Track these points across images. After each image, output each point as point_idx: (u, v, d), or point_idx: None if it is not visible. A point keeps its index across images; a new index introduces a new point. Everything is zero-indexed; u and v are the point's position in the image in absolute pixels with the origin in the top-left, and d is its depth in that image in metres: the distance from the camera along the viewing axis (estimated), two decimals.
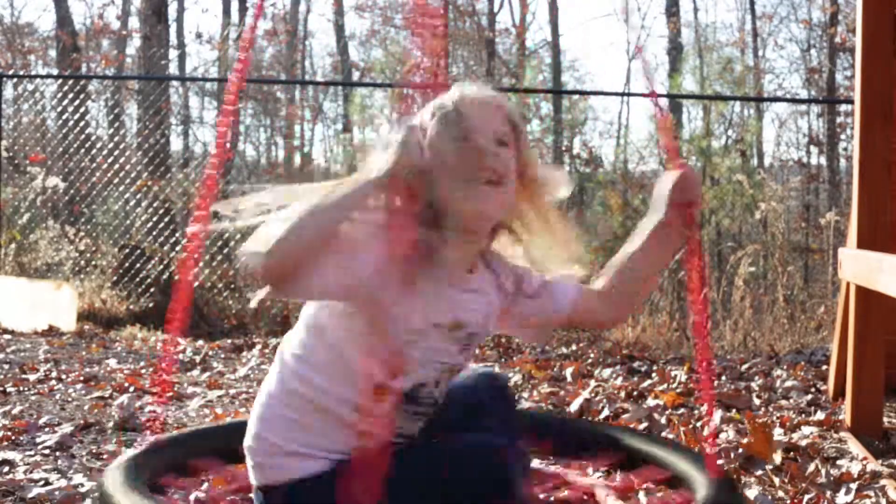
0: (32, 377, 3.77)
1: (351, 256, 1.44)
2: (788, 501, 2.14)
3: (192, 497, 1.85)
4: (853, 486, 2.22)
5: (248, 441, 1.62)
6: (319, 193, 1.46)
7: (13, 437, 2.69)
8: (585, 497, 1.93)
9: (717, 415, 3.04)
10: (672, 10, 15.36)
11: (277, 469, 1.56)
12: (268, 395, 1.61)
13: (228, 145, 2.03)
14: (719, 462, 1.78)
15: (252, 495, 1.67)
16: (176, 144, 14.51)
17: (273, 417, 1.58)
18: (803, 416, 3.12)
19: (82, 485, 2.19)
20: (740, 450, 2.52)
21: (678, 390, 3.53)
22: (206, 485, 1.96)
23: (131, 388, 3.52)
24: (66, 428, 2.80)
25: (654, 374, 3.96)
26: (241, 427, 1.69)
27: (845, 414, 2.90)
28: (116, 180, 7.51)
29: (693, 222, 1.73)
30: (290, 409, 1.57)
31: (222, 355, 4.74)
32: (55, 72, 13.11)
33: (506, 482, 1.49)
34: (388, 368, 1.53)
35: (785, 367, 4.24)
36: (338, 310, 1.53)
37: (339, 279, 1.45)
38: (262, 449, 1.58)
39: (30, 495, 2.11)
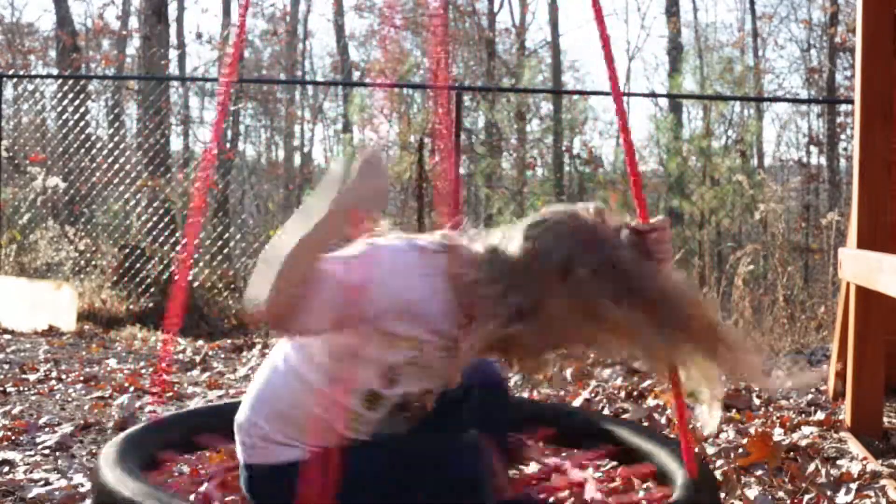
0: (32, 377, 3.77)
1: (341, 288, 1.45)
2: (788, 501, 2.14)
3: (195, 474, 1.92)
4: (853, 486, 2.22)
5: (239, 419, 1.67)
6: (297, 228, 1.46)
7: (13, 437, 2.69)
8: (572, 487, 1.93)
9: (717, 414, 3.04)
10: (672, 10, 15.36)
11: (262, 451, 1.61)
12: (263, 383, 1.66)
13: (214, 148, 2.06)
14: (698, 458, 1.79)
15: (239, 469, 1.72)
16: (176, 144, 14.52)
17: (264, 405, 1.63)
18: (803, 416, 3.12)
19: (82, 485, 2.19)
20: (740, 450, 2.52)
21: None
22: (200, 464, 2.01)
23: (131, 388, 3.52)
24: (66, 428, 2.80)
25: (653, 374, 3.96)
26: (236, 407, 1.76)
27: (845, 414, 2.90)
28: (116, 180, 7.51)
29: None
30: (282, 402, 1.61)
31: (222, 355, 4.74)
32: (55, 72, 13.11)
33: (469, 483, 1.51)
34: (381, 380, 1.56)
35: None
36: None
37: (332, 313, 1.45)
38: (251, 432, 1.63)
39: (30, 495, 2.11)
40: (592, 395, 3.49)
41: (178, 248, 7.26)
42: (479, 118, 9.44)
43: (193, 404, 3.28)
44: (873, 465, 2.44)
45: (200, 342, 5.31)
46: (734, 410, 3.20)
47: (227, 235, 7.55)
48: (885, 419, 2.96)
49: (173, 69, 15.48)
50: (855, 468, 2.39)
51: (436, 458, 1.55)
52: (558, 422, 2.24)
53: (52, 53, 15.35)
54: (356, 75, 17.10)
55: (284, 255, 1.41)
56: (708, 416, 1.60)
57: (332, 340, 1.53)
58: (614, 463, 2.12)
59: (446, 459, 1.54)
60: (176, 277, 2.02)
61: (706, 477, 1.79)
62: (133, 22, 16.41)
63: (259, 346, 4.99)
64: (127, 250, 6.99)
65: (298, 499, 1.46)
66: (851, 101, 4.74)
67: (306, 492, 1.44)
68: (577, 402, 3.31)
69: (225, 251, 7.44)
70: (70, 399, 3.37)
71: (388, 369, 1.55)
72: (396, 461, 1.56)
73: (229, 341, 5.23)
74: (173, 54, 15.48)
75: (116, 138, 8.71)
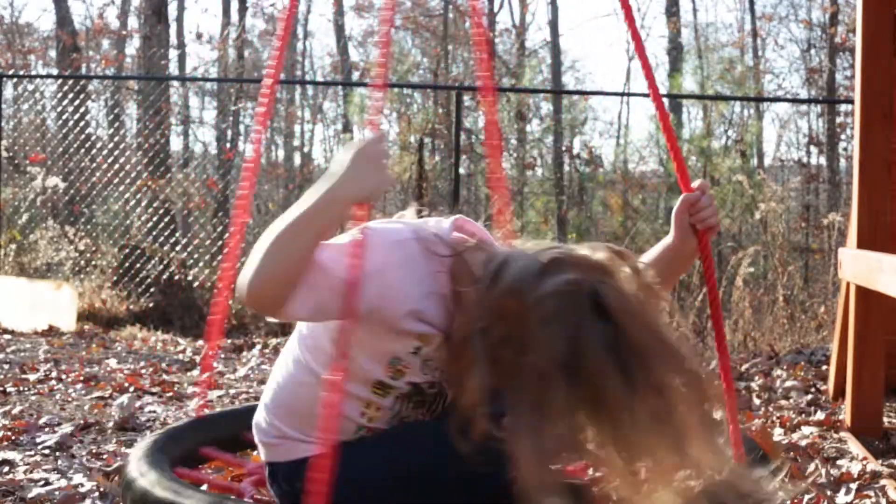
0: (32, 377, 3.77)
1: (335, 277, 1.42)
2: (788, 502, 2.14)
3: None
4: (853, 486, 2.22)
5: (256, 420, 1.68)
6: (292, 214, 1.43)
7: (13, 437, 2.69)
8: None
9: (717, 415, 3.04)
10: (672, 10, 15.36)
11: (282, 449, 1.62)
12: (277, 384, 1.65)
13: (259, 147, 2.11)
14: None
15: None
16: (176, 144, 14.51)
17: (280, 405, 1.63)
18: (803, 416, 3.12)
19: (82, 485, 2.19)
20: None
21: None
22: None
23: (131, 388, 3.52)
24: (66, 428, 2.80)
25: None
26: None
27: (845, 414, 2.90)
28: (116, 180, 7.51)
29: (707, 249, 1.63)
30: (297, 400, 1.61)
31: (222, 355, 4.74)
32: (55, 72, 13.10)
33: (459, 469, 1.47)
34: (386, 370, 1.54)
35: (785, 367, 4.24)
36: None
37: (316, 301, 1.43)
38: (268, 431, 1.64)
39: (30, 495, 2.11)
40: None
41: (177, 248, 7.26)
42: (479, 118, 9.44)
43: (193, 404, 3.28)
44: (873, 465, 2.44)
45: (200, 342, 5.31)
46: None
47: (227, 235, 7.55)
48: (885, 419, 2.96)
49: (173, 69, 15.48)
50: (855, 468, 2.39)
51: (432, 442, 1.52)
52: None
53: (52, 53, 15.36)
54: (356, 75, 17.11)
55: (272, 239, 1.39)
56: None
57: (334, 331, 1.50)
58: None
59: (437, 443, 1.49)
60: (219, 285, 2.01)
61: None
62: (133, 22, 16.43)
63: (259, 346, 4.99)
64: (127, 250, 6.99)
65: (312, 493, 1.43)
66: (851, 101, 4.74)
67: (319, 485, 1.43)
68: None
69: (225, 251, 7.43)
70: (70, 399, 3.37)
71: (391, 360, 1.54)
72: (397, 449, 1.56)
73: (229, 341, 5.23)
74: (173, 54, 15.48)
75: (116, 138, 8.71)
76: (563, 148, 9.48)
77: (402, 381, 1.56)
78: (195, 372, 4.14)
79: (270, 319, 6.37)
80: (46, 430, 2.80)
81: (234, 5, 16.42)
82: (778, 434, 2.79)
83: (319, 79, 19.46)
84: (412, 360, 1.53)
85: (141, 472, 1.65)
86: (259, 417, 1.68)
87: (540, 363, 1.26)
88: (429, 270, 1.47)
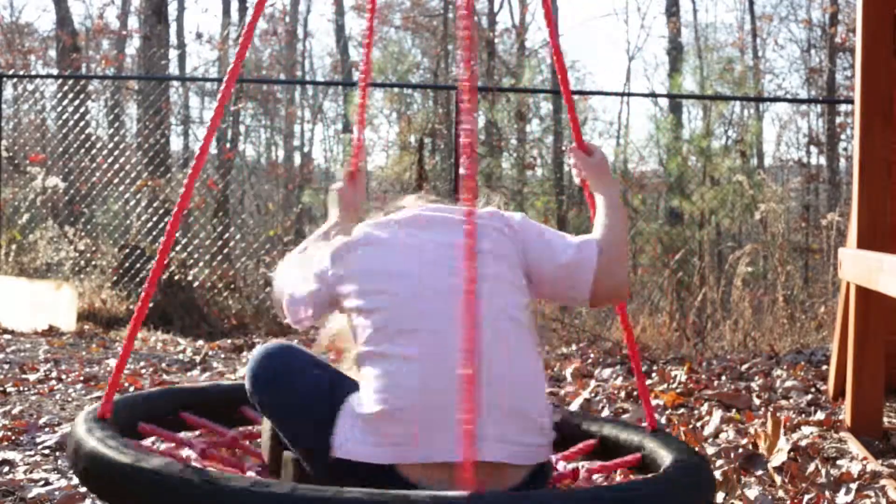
0: (32, 377, 3.77)
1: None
2: (788, 501, 2.14)
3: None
4: (853, 486, 2.22)
5: (527, 424, 1.56)
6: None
7: (13, 437, 2.69)
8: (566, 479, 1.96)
9: (717, 414, 3.04)
10: (672, 10, 15.36)
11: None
12: (535, 373, 1.63)
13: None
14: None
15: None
16: (176, 144, 14.52)
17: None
18: (803, 416, 3.12)
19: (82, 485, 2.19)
20: (740, 450, 2.52)
21: (678, 390, 3.53)
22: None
23: (131, 388, 3.52)
24: (66, 428, 2.80)
25: (654, 374, 3.96)
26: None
27: (845, 414, 2.90)
28: (116, 180, 7.51)
29: (590, 198, 1.85)
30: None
31: (222, 355, 4.74)
32: (55, 72, 13.10)
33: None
34: None
35: (785, 367, 4.24)
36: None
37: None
38: (550, 429, 1.63)
39: (30, 495, 2.11)
40: (592, 394, 3.49)
41: (177, 248, 7.26)
42: (478, 118, 9.44)
43: None
44: (873, 465, 2.44)
45: (200, 342, 5.31)
46: (734, 410, 3.20)
47: (227, 235, 7.55)
48: (885, 419, 2.96)
49: (173, 69, 15.49)
50: (855, 468, 2.39)
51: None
52: None
53: (52, 53, 15.35)
54: (356, 75, 17.09)
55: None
56: None
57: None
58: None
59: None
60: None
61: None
62: (133, 22, 16.42)
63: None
64: (127, 250, 6.99)
65: None
66: (851, 101, 4.74)
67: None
68: (576, 403, 3.31)
69: (225, 251, 7.43)
70: (70, 399, 3.37)
71: None
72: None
73: (229, 341, 5.23)
74: (173, 54, 15.49)
75: (116, 138, 8.72)
76: (563, 148, 9.48)
77: None
78: (195, 372, 4.14)
79: (271, 319, 6.36)
80: (46, 430, 2.80)
81: (234, 5, 16.43)
82: (780, 434, 2.79)
83: (319, 79, 19.45)
84: None
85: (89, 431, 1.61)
86: (534, 418, 1.55)
87: None
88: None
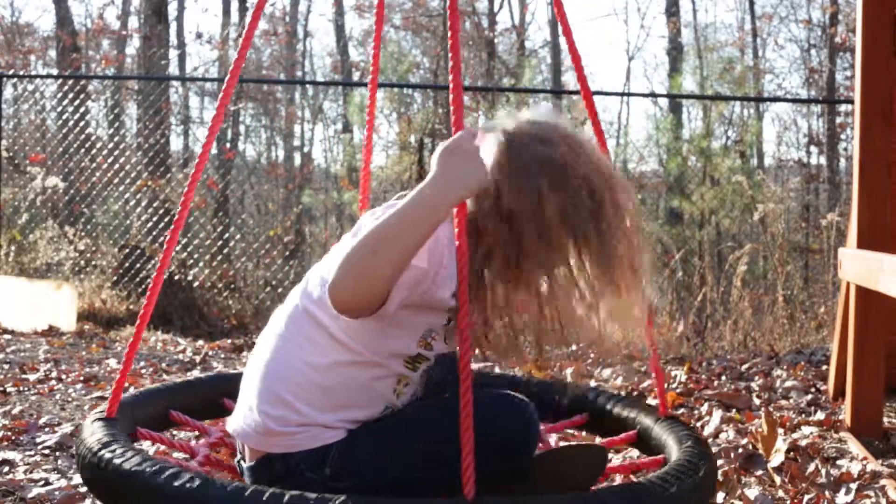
0: (32, 377, 3.77)
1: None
2: (788, 501, 2.14)
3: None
4: (853, 486, 2.22)
5: (259, 408, 1.59)
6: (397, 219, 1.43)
7: (13, 437, 2.69)
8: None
9: (717, 414, 3.04)
10: (672, 10, 15.37)
11: (303, 436, 1.57)
12: (299, 368, 1.58)
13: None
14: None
15: (244, 460, 1.68)
16: (176, 144, 14.53)
17: (310, 389, 1.57)
18: (803, 416, 3.12)
19: (82, 485, 2.19)
20: (740, 450, 2.52)
21: (678, 390, 3.53)
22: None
23: (131, 388, 3.52)
24: (66, 428, 2.80)
25: (654, 374, 3.95)
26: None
27: (845, 414, 2.90)
28: (116, 180, 7.51)
29: None
30: (336, 382, 1.57)
31: (222, 355, 4.74)
32: (55, 72, 13.11)
33: (528, 434, 1.58)
34: (421, 343, 1.61)
35: (785, 367, 4.24)
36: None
37: (411, 292, 1.50)
38: (285, 419, 1.57)
39: (30, 495, 2.11)
40: None
41: (177, 248, 7.26)
42: (479, 118, 9.43)
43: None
44: (873, 465, 2.44)
45: (200, 342, 5.31)
46: (734, 410, 3.20)
47: (227, 235, 7.55)
48: (885, 419, 2.96)
49: (173, 69, 15.49)
50: (855, 468, 2.39)
51: (489, 411, 1.53)
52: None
53: (52, 53, 15.36)
54: (356, 75, 17.10)
55: (372, 250, 1.40)
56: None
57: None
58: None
59: (499, 412, 1.57)
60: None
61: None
62: (133, 22, 16.43)
63: None
64: (127, 250, 6.99)
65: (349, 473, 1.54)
66: (851, 101, 4.74)
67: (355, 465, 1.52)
68: None
69: (225, 251, 7.43)
70: (70, 399, 3.37)
71: (425, 332, 1.60)
72: (446, 418, 1.55)
73: (229, 341, 5.23)
74: (173, 54, 15.49)
75: (116, 138, 8.72)
76: None
77: (431, 353, 1.63)
78: (195, 372, 4.14)
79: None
80: (46, 430, 2.80)
81: (234, 5, 16.43)
82: (778, 434, 2.79)
83: (319, 79, 19.46)
84: (442, 332, 1.62)
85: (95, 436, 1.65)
86: (265, 406, 1.58)
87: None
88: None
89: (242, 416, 1.63)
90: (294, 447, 1.58)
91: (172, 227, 1.74)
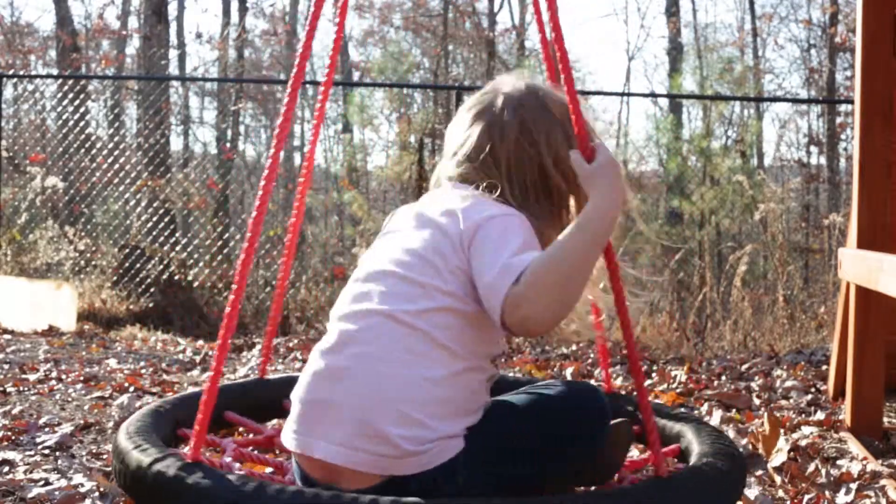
0: (32, 377, 3.77)
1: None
2: (788, 501, 2.14)
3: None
4: (853, 486, 2.22)
5: (385, 431, 1.52)
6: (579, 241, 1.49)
7: (13, 437, 2.69)
8: None
9: (717, 414, 3.04)
10: (672, 10, 15.37)
11: (435, 452, 1.54)
12: (419, 384, 1.53)
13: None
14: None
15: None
16: (176, 144, 14.53)
17: (436, 402, 1.54)
18: (803, 416, 3.12)
19: (82, 485, 2.19)
20: (740, 450, 2.52)
21: (678, 390, 3.53)
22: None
23: (131, 388, 3.52)
24: (66, 428, 2.80)
25: (654, 374, 3.96)
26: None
27: (845, 414, 2.90)
28: (116, 180, 7.51)
29: None
30: (458, 392, 1.57)
31: None
32: (55, 72, 13.11)
33: (604, 420, 1.65)
34: (503, 339, 1.68)
35: (785, 367, 4.24)
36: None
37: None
38: (419, 438, 1.52)
39: (30, 495, 2.11)
40: None
41: (177, 248, 7.26)
42: None
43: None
44: (873, 465, 2.44)
45: (200, 342, 5.31)
46: (734, 410, 3.20)
47: (227, 235, 7.55)
48: (885, 419, 2.96)
49: (173, 69, 15.49)
50: (855, 468, 2.39)
51: (578, 399, 1.64)
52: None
53: (52, 53, 15.36)
54: (356, 75, 17.10)
55: (571, 272, 1.47)
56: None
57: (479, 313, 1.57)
58: None
59: (577, 402, 1.64)
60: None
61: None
62: (133, 22, 16.44)
63: (259, 346, 4.99)
64: (127, 250, 6.99)
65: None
66: (851, 101, 4.74)
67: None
68: None
69: (225, 251, 7.43)
70: (70, 399, 3.37)
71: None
72: (531, 412, 1.63)
73: (229, 341, 5.23)
74: (173, 54, 15.49)
75: (116, 138, 8.72)
76: None
77: (504, 348, 1.76)
78: (195, 372, 4.14)
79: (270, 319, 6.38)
80: (46, 430, 2.80)
81: (234, 5, 16.44)
82: (780, 434, 2.79)
83: (319, 79, 19.43)
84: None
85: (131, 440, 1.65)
86: (400, 430, 1.51)
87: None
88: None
89: (353, 445, 1.54)
90: (431, 464, 1.54)
91: (243, 255, 1.68)
